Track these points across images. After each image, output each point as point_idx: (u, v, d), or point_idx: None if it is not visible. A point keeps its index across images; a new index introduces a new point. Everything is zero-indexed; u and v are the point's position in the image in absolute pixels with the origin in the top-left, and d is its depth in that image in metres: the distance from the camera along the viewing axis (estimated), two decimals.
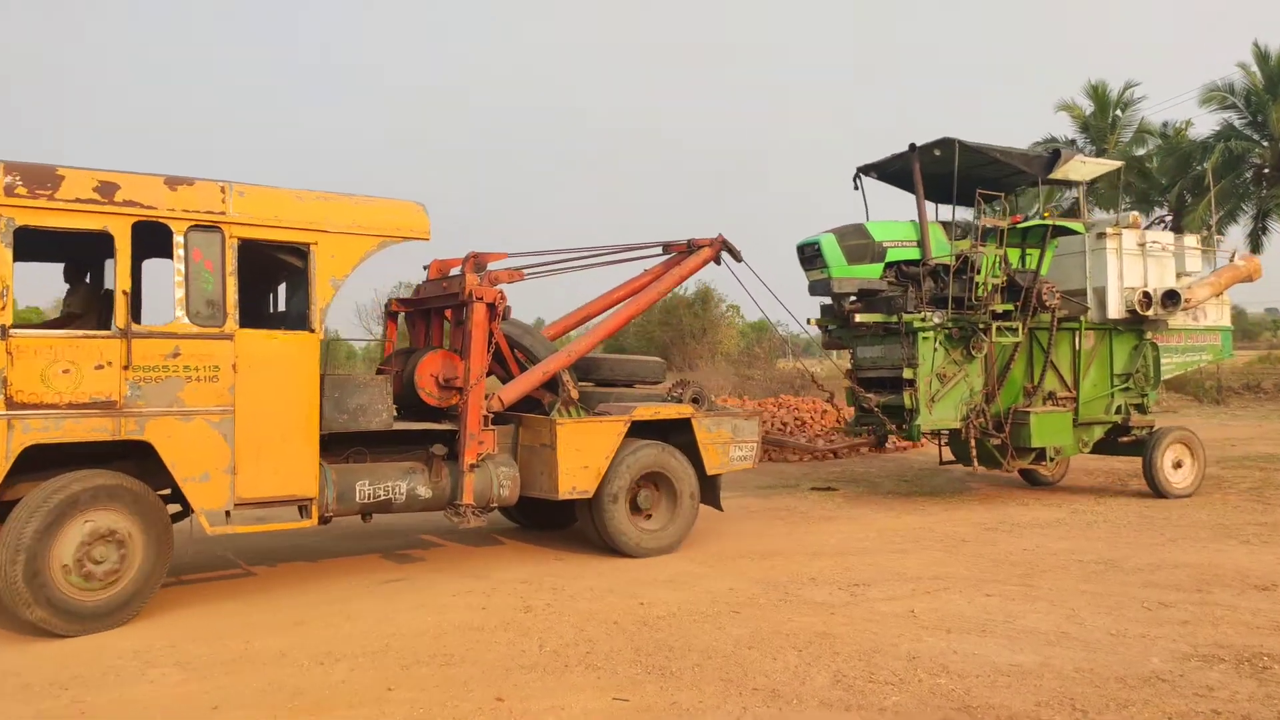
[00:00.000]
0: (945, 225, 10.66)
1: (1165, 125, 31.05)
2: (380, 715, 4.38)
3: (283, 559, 7.92)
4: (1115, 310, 10.64)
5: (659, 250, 9.09)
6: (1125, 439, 10.90)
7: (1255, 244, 29.08)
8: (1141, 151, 31.00)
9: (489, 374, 7.69)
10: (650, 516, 8.00)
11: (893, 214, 10.70)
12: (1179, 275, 11.06)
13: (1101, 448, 11.10)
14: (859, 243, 10.13)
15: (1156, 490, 10.47)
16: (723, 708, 4.46)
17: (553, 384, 7.91)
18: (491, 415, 7.43)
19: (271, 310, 7.53)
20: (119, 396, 5.70)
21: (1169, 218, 29.68)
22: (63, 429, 5.55)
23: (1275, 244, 29.38)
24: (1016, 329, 10.08)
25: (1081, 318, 10.62)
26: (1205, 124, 40.02)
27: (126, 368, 5.72)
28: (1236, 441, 16.03)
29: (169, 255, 6.04)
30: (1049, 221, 10.50)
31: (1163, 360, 11.07)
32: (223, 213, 6.14)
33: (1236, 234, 29.83)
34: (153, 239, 6.06)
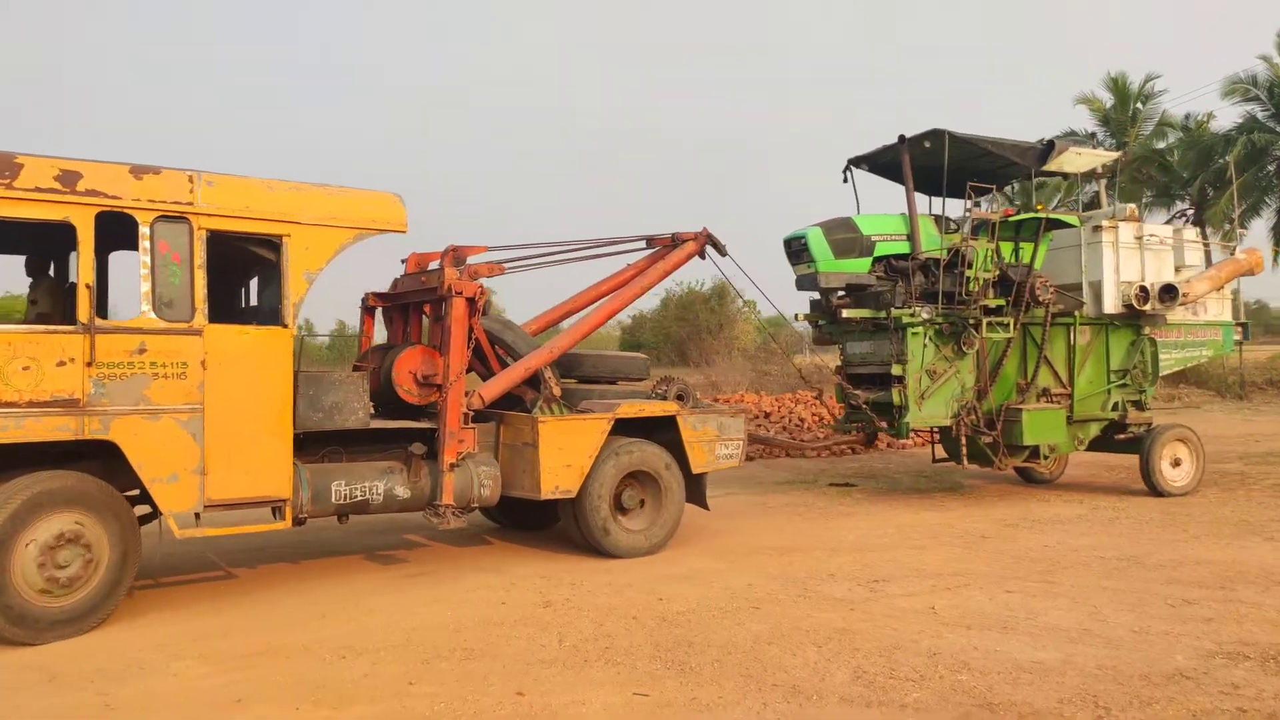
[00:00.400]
0: (936, 219, 10.55)
1: (1187, 118, 30.90)
2: (401, 709, 4.44)
3: (304, 555, 7.96)
4: (1111, 305, 10.54)
5: (642, 245, 8.94)
6: (1122, 436, 10.81)
7: (1279, 238, 28.86)
8: (1162, 144, 30.87)
9: (469, 371, 7.53)
10: (635, 516, 7.87)
11: (888, 208, 10.57)
12: (1178, 269, 10.93)
13: (1098, 445, 11.02)
14: (846, 236, 10.00)
15: (1154, 489, 10.41)
16: (743, 704, 4.49)
17: (535, 381, 7.78)
18: (472, 413, 7.31)
19: (243, 305, 7.33)
20: (82, 394, 5.53)
21: (1190, 211, 29.68)
22: (23, 428, 5.38)
23: None
24: (1008, 324, 9.99)
25: (1076, 313, 10.54)
26: (1227, 116, 39.85)
27: (90, 364, 5.55)
28: (1260, 437, 16.00)
29: (135, 247, 5.82)
30: (1042, 214, 10.41)
31: (1161, 356, 10.94)
32: (190, 203, 5.97)
33: (1260, 228, 29.75)
34: (119, 231, 5.89)
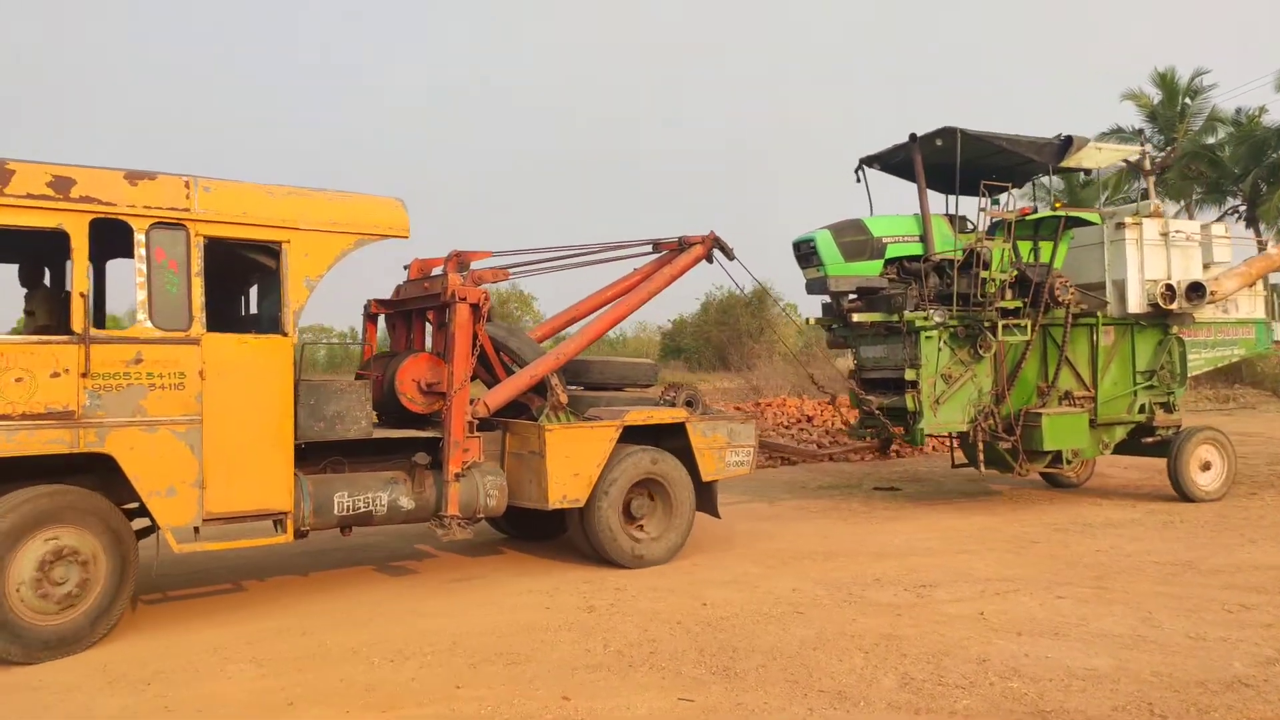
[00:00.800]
0: (951, 218, 10.38)
1: (1239, 112, 30.40)
2: (449, 713, 4.52)
3: (353, 560, 8.10)
4: (1136, 304, 10.31)
5: (649, 249, 8.81)
6: (1149, 440, 10.57)
7: None
8: (1213, 140, 30.40)
9: (474, 378, 7.40)
10: (645, 525, 7.74)
11: (902, 208, 10.40)
12: (1206, 266, 10.69)
13: (1124, 449, 10.80)
14: (856, 239, 9.85)
15: (1182, 494, 10.22)
16: (788, 709, 4.50)
17: (541, 388, 7.67)
18: (477, 421, 7.19)
19: (242, 313, 7.22)
20: (77, 406, 5.43)
21: (1243, 208, 29.27)
22: (16, 441, 5.29)
23: None
24: (1026, 327, 9.80)
25: (1099, 313, 10.33)
26: None
27: (85, 375, 5.45)
28: None
29: (132, 255, 5.72)
30: (1061, 212, 10.18)
31: (1190, 356, 10.70)
32: (187, 209, 5.87)
33: None
34: (116, 238, 5.77)
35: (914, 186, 10.25)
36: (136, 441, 5.60)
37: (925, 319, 9.57)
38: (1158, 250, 10.39)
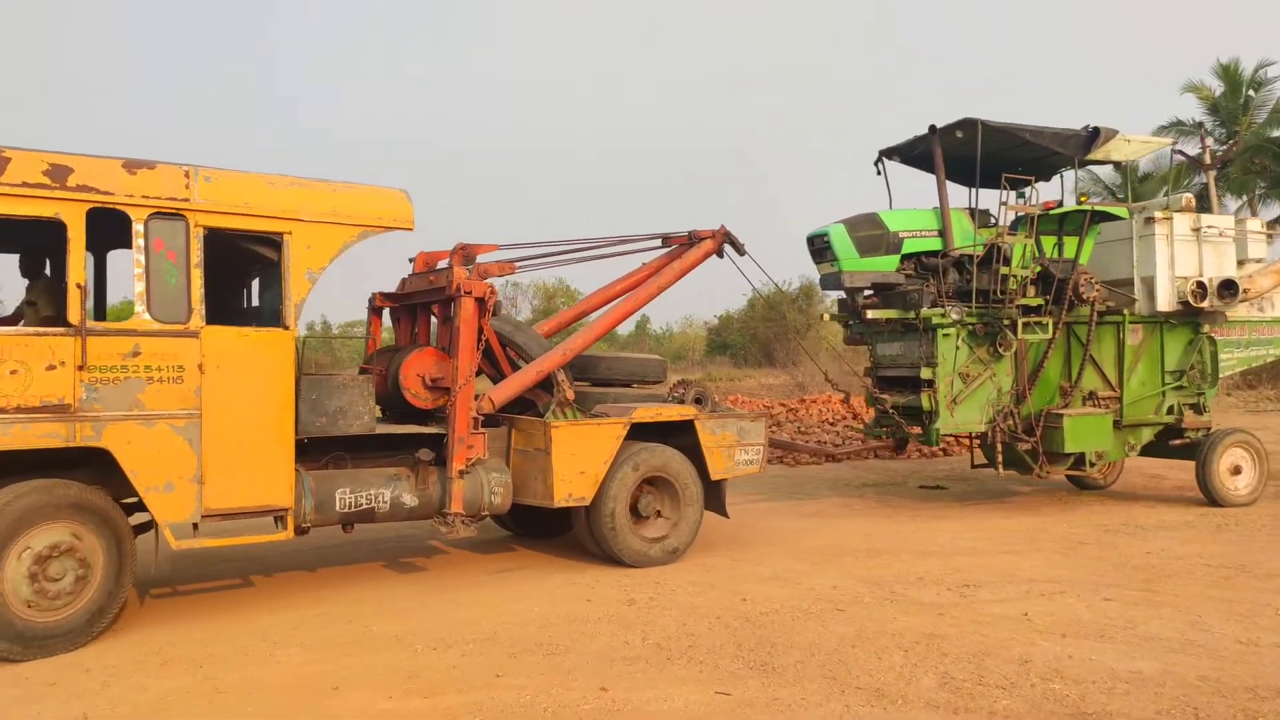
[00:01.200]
0: (972, 213, 10.19)
1: None
2: (489, 700, 4.64)
3: (402, 551, 8.29)
4: (1165, 302, 10.06)
5: (658, 243, 8.70)
6: (1178, 442, 10.35)
7: None
8: (1278, 133, 29.36)
9: (479, 373, 7.33)
10: (652, 524, 7.65)
11: (920, 201, 10.19)
12: (1240, 263, 10.41)
13: (1152, 451, 10.57)
14: (872, 233, 9.68)
15: (1211, 498, 10.02)
16: (825, 706, 4.53)
17: (547, 384, 7.60)
18: (482, 417, 7.14)
19: (243, 306, 7.16)
20: (73, 399, 5.37)
21: None
22: (10, 435, 5.26)
23: None
24: (1047, 325, 9.61)
25: (1126, 311, 10.12)
26: None
27: (82, 368, 5.40)
28: None
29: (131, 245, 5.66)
30: (1087, 206, 9.95)
31: (1222, 356, 10.46)
32: (187, 199, 5.80)
33: None
34: (116, 229, 5.73)
35: (930, 181, 10.07)
36: (134, 436, 5.56)
37: (942, 316, 9.41)
38: (1189, 246, 10.13)
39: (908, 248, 9.76)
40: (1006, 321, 9.45)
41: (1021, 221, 9.94)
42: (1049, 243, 10.09)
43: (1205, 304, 9.97)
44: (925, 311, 9.42)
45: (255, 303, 7.13)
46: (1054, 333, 9.67)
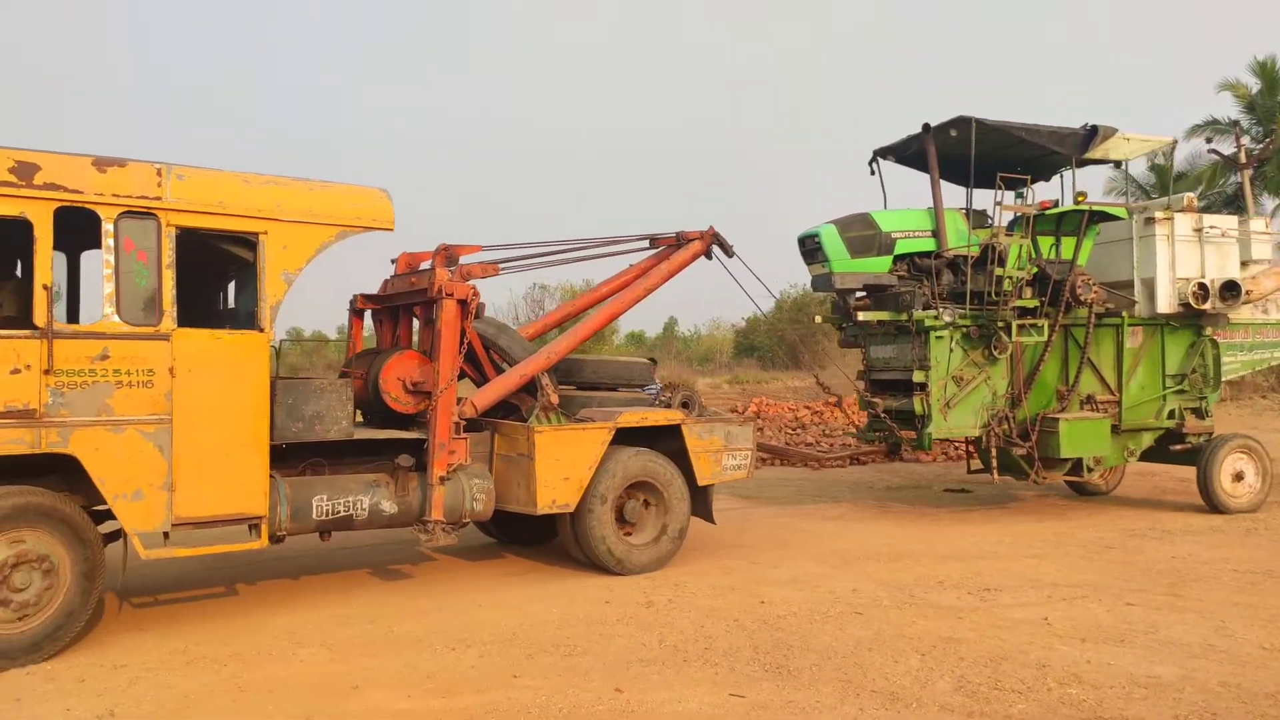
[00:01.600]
0: (967, 213, 10.10)
1: None
2: (506, 700, 4.73)
3: (425, 555, 8.35)
4: (1166, 304, 9.99)
5: (645, 244, 8.62)
6: (1178, 447, 10.27)
7: None
8: None
9: (461, 377, 7.22)
10: (638, 530, 7.58)
11: (915, 202, 10.09)
12: (1244, 264, 10.32)
13: (1152, 456, 10.51)
14: (863, 233, 9.59)
15: (1212, 505, 9.97)
16: (839, 708, 4.58)
17: (531, 388, 7.49)
18: (464, 422, 7.05)
19: (217, 308, 7.05)
20: (39, 404, 5.28)
21: None
22: None
23: None
24: (1042, 327, 9.54)
25: (1125, 313, 10.04)
26: None
27: (48, 372, 5.30)
28: None
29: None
30: (1084, 206, 9.83)
31: (1225, 359, 10.38)
32: (159, 198, 5.70)
33: None
34: (88, 228, 5.60)
35: (930, 180, 9.96)
36: (102, 442, 5.46)
37: (935, 318, 9.33)
38: (1190, 247, 10.06)
39: (900, 248, 9.68)
40: (1001, 324, 9.38)
41: (1018, 222, 9.86)
42: (1046, 243, 10.01)
43: (1207, 306, 9.89)
44: (917, 313, 9.35)
45: (230, 305, 7.02)
46: (1050, 335, 9.60)
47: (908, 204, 10.20)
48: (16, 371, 5.23)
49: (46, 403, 5.30)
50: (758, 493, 11.94)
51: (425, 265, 7.72)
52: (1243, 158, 11.67)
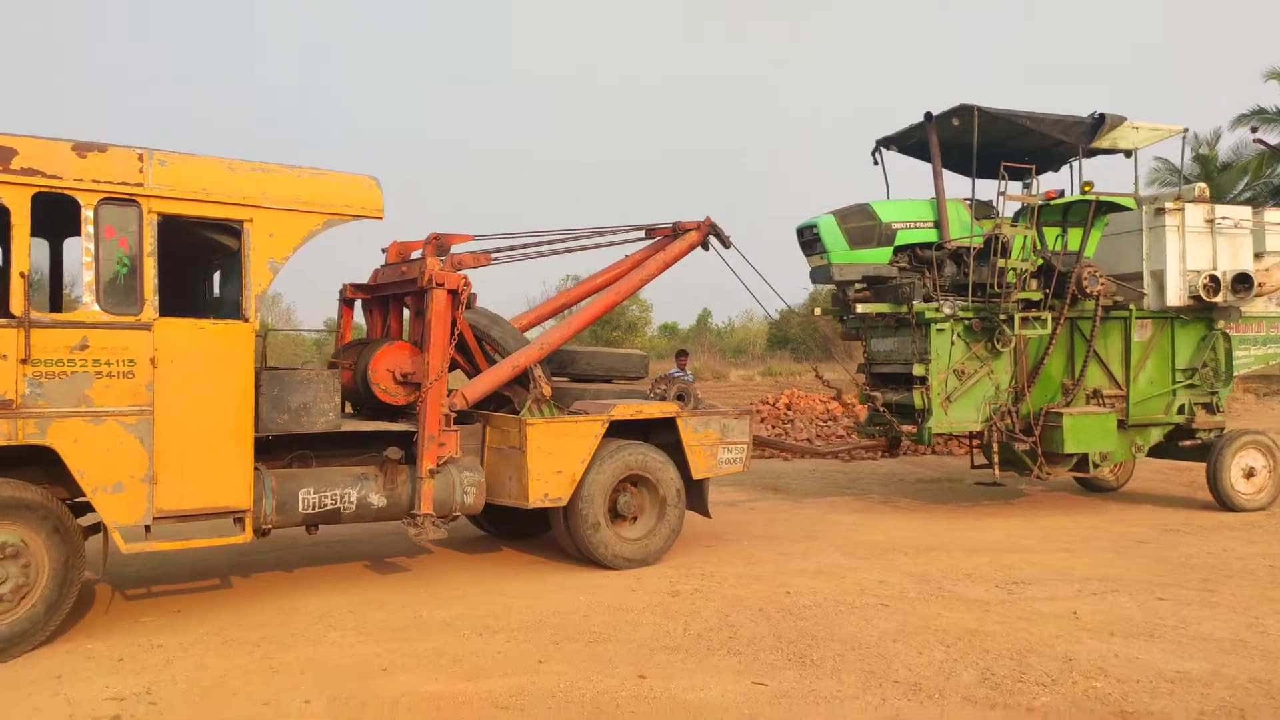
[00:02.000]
0: (970, 203, 10.00)
1: None
2: (531, 684, 4.84)
3: (453, 544, 8.40)
4: (1176, 297, 9.81)
5: (641, 235, 8.52)
6: (1188, 443, 10.15)
7: None
8: None
9: (453, 369, 7.13)
10: (631, 524, 7.52)
11: (917, 192, 10.00)
12: (1258, 256, 10.15)
13: (1161, 452, 10.39)
14: (863, 224, 9.49)
15: (1222, 502, 9.82)
16: (861, 698, 4.62)
17: (524, 379, 7.41)
18: (454, 414, 6.98)
19: (200, 297, 6.97)
20: (15, 395, 5.23)
21: None
22: None
23: None
24: (1046, 320, 9.42)
25: (1133, 305, 9.90)
26: None
27: (25, 361, 5.24)
28: None
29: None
30: (1091, 196, 9.68)
31: (1237, 353, 10.22)
32: (140, 184, 5.62)
33: None
34: (70, 215, 5.49)
35: (932, 170, 9.84)
36: (81, 434, 5.39)
37: (935, 310, 9.22)
38: (1202, 238, 9.90)
39: (901, 239, 9.58)
40: (1003, 316, 9.27)
41: (1023, 212, 9.73)
42: (1052, 235, 9.88)
43: (1218, 299, 9.74)
44: (918, 306, 9.24)
45: (214, 294, 6.94)
46: (1054, 328, 9.49)
47: (915, 196, 10.11)
48: None
49: (24, 393, 5.22)
50: (786, 485, 12.01)
51: (416, 254, 7.64)
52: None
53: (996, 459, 9.50)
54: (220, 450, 5.81)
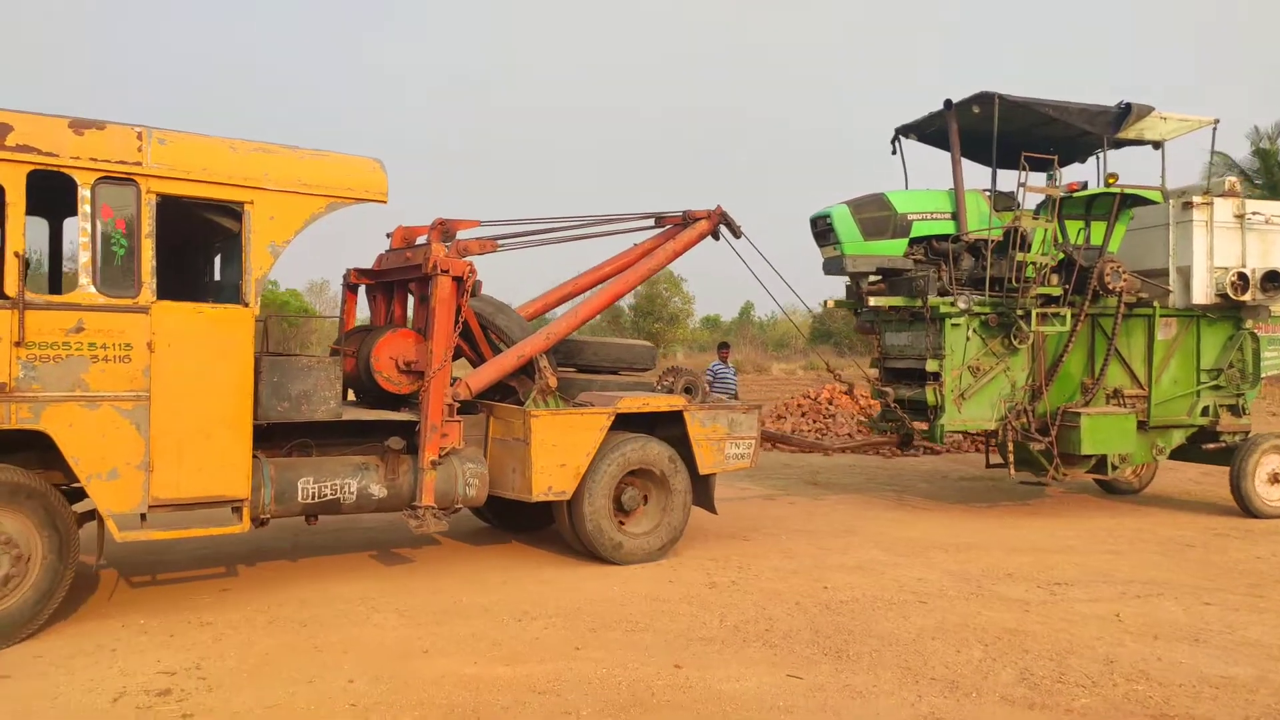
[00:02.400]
0: (992, 195, 9.82)
1: None
2: (567, 670, 4.93)
3: (488, 535, 8.48)
4: (1202, 294, 9.64)
5: (650, 223, 8.41)
6: (1211, 445, 9.99)
7: None
8: None
9: (457, 357, 7.05)
10: (636, 519, 7.44)
11: (935, 183, 9.82)
12: None
13: (1183, 455, 10.22)
14: (878, 215, 9.32)
15: (1245, 508, 9.66)
16: (897, 694, 4.62)
17: (529, 369, 7.30)
18: (458, 404, 6.89)
19: (199, 280, 6.90)
20: (9, 378, 5.18)
21: None
22: None
23: None
24: (1064, 316, 9.26)
25: (1157, 303, 9.72)
26: None
27: (19, 344, 5.17)
28: None
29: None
30: (1116, 189, 9.48)
31: (1265, 354, 10.05)
32: (139, 163, 5.54)
33: None
34: (68, 194, 5.41)
35: (951, 159, 9.67)
36: (76, 418, 5.33)
37: (950, 304, 9.08)
38: (1231, 234, 9.72)
39: (917, 230, 9.41)
40: (1021, 312, 9.12)
41: (1045, 205, 9.56)
42: (1074, 228, 9.71)
43: (1247, 297, 9.56)
44: (932, 300, 9.10)
45: (214, 277, 6.86)
46: (1074, 325, 9.34)
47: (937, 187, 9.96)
48: None
49: (17, 376, 5.16)
50: (827, 479, 12.05)
51: (421, 240, 7.54)
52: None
53: (1011, 458, 9.38)
54: (218, 438, 5.75)
